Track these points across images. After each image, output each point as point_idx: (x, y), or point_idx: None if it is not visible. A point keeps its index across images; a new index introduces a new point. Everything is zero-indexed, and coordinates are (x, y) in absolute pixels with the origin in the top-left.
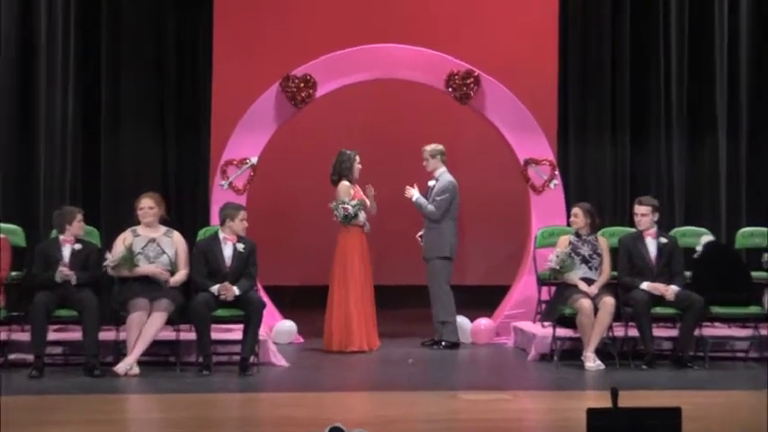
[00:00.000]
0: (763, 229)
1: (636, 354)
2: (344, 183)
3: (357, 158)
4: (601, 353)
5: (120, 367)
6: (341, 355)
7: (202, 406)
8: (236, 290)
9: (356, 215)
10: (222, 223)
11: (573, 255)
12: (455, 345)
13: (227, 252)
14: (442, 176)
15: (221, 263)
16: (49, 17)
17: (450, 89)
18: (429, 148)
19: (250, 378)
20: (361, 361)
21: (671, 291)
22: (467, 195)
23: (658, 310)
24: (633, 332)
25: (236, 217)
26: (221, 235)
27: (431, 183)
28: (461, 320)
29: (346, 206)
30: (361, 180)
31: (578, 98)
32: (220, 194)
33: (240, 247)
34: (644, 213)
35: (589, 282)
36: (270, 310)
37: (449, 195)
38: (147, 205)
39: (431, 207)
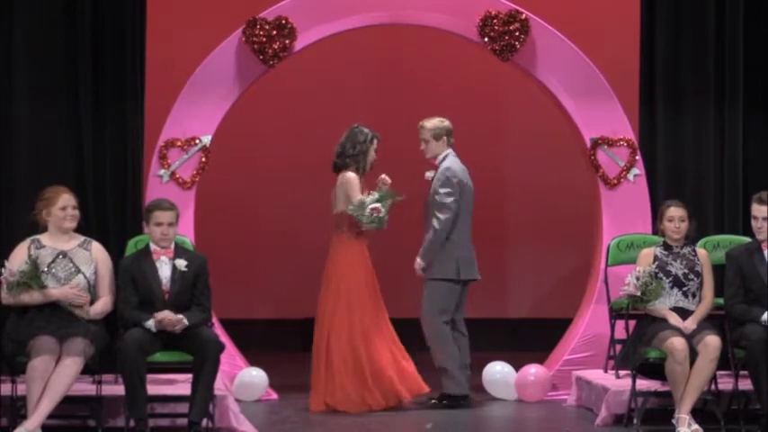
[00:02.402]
0: None
1: (749, 415)
2: (351, 174)
3: (375, 143)
4: (700, 414)
5: None
6: (333, 416)
7: None
8: (184, 320)
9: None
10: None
11: (660, 275)
12: (458, 399)
13: (165, 272)
14: (445, 162)
15: (156, 287)
16: None
17: (486, 39)
18: (430, 124)
19: None
20: (360, 426)
21: None
22: (507, 192)
23: None
24: (746, 384)
25: (149, 220)
26: (152, 247)
27: (429, 174)
28: (502, 367)
29: (377, 206)
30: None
31: (669, 54)
32: (158, 189)
33: (181, 264)
34: (766, 217)
35: (684, 313)
36: (230, 355)
37: (453, 189)
38: (72, 204)
39: (435, 221)
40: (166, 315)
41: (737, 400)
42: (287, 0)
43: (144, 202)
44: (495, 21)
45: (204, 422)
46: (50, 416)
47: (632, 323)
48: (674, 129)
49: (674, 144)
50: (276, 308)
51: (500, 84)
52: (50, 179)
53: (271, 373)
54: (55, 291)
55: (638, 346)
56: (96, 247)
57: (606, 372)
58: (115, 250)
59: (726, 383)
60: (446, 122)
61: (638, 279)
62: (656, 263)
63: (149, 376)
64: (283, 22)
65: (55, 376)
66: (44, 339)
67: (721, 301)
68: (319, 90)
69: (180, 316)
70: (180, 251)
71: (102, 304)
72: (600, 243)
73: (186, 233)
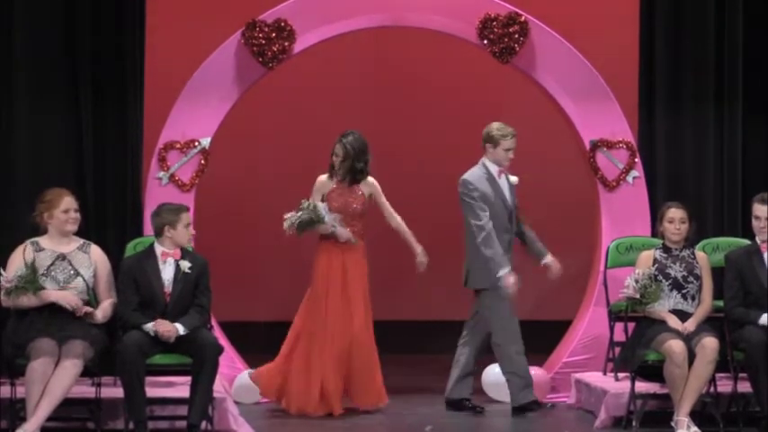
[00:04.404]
0: None
1: (749, 417)
2: (322, 177)
3: None
4: (699, 416)
5: None
6: (331, 418)
7: None
8: (179, 328)
9: (308, 222)
10: (159, 234)
11: (659, 277)
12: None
13: (167, 273)
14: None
15: (158, 289)
16: None
17: (485, 41)
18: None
19: None
20: (359, 428)
21: None
22: None
23: None
24: (745, 387)
25: (177, 223)
26: (158, 249)
27: (515, 179)
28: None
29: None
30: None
31: (668, 56)
32: (157, 192)
33: (185, 265)
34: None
35: (684, 316)
36: (229, 357)
37: None
38: (74, 207)
39: None
40: (162, 326)
41: (736, 403)
42: (286, 2)
43: (143, 205)
44: (494, 23)
45: (203, 425)
46: (49, 418)
47: (631, 325)
48: (674, 131)
49: (673, 146)
50: (275, 310)
51: (499, 86)
52: (50, 180)
53: None
54: (52, 293)
55: (636, 348)
56: (95, 250)
57: (605, 374)
58: (114, 252)
59: (725, 386)
60: None
61: (637, 281)
62: (656, 265)
63: (148, 378)
64: (282, 24)
65: (54, 378)
66: (43, 342)
67: (721, 303)
68: (318, 92)
69: (176, 325)
70: (184, 253)
71: (105, 309)
72: (599, 245)
73: None
